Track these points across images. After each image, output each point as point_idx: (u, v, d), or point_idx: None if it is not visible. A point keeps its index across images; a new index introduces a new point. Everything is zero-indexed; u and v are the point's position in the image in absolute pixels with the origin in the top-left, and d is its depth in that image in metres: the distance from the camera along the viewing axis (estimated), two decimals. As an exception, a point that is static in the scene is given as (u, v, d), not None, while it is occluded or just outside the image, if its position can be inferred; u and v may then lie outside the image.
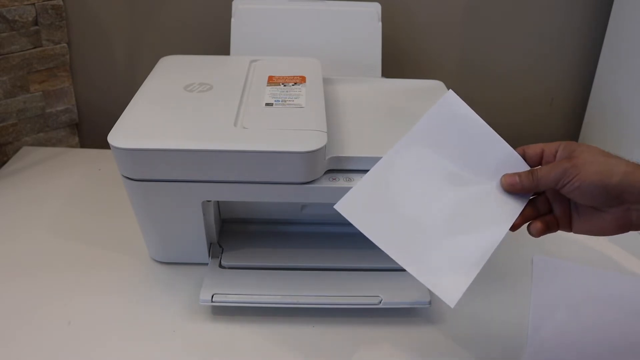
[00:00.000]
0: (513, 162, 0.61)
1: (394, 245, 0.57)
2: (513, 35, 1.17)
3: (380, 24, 1.00)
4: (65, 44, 1.08)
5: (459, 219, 0.59)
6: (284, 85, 0.80)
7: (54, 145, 1.13)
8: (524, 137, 1.26)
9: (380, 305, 0.70)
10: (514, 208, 0.60)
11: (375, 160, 0.70)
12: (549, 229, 0.60)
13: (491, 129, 0.62)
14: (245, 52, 0.99)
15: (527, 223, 0.60)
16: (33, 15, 1.02)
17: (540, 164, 0.61)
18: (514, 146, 0.62)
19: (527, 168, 0.61)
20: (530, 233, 0.60)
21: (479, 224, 0.59)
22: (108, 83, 1.16)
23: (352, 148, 0.71)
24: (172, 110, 0.72)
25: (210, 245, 0.78)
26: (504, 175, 0.60)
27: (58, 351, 0.66)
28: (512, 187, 0.60)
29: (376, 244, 0.57)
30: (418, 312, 0.72)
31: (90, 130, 1.18)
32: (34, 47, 1.04)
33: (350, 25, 1.01)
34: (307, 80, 0.82)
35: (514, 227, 0.60)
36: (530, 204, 0.61)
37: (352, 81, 0.91)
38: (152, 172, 0.67)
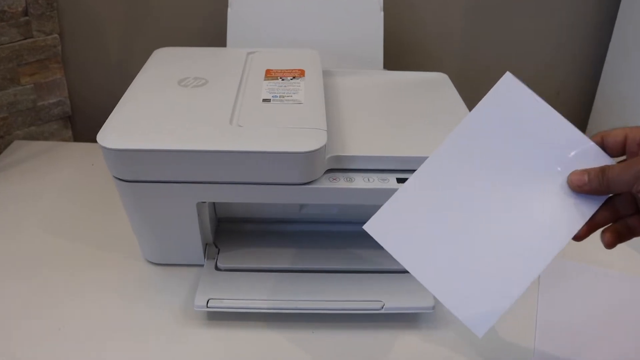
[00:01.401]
0: (589, 154, 0.51)
1: (423, 270, 0.51)
2: (519, 27, 1.13)
3: (382, 13, 0.97)
4: (56, 35, 1.05)
5: (507, 232, 0.51)
6: (282, 80, 0.76)
7: (46, 138, 1.11)
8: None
9: (383, 311, 0.67)
10: (582, 212, 0.50)
11: (377, 159, 0.67)
12: (632, 234, 0.51)
13: (560, 115, 0.52)
14: (242, 43, 0.96)
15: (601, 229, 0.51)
16: (23, 5, 0.98)
17: (623, 154, 0.50)
18: None
19: (608, 160, 0.50)
20: (603, 243, 0.51)
21: (532, 237, 0.51)
22: (102, 74, 1.13)
23: (354, 146, 0.68)
24: (164, 107, 0.69)
25: (205, 246, 0.75)
26: (572, 172, 0.50)
27: (48, 358, 0.63)
28: (579, 188, 0.49)
29: (406, 268, 0.52)
30: (421, 317, 0.70)
31: (83, 123, 1.15)
32: (24, 38, 1.01)
33: (351, 14, 0.97)
34: (306, 73, 0.79)
35: (577, 238, 0.50)
36: (607, 204, 0.50)
37: (353, 73, 0.88)
38: (144, 173, 0.64)
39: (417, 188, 0.54)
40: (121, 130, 0.64)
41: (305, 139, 0.63)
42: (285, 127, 0.65)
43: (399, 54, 1.14)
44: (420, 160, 0.67)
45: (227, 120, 0.66)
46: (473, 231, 0.52)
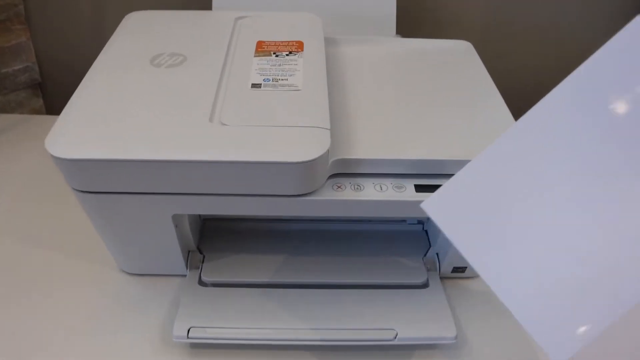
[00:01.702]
0: None
1: (492, 271, 0.41)
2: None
3: (394, -35, 0.82)
4: (16, -9, 0.91)
5: (609, 236, 0.40)
6: (276, 56, 0.64)
7: (13, 109, 0.98)
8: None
9: (396, 342, 0.57)
10: None
11: (391, 162, 0.55)
12: None
13: None
14: (230, 4, 0.82)
15: None
16: (-27, -43, 0.84)
17: None
18: None
19: None
20: None
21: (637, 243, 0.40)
22: (73, 35, 0.99)
23: (362, 146, 0.56)
24: (131, 98, 0.56)
25: (188, 253, 0.65)
26: None
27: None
28: None
29: (470, 263, 0.41)
30: (441, 347, 0.60)
31: (55, 90, 1.03)
32: (-22, -3, 0.87)
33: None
34: (304, 47, 0.65)
35: None
36: None
37: (361, 42, 0.75)
38: (106, 184, 0.52)
39: (495, 163, 0.42)
40: (76, 133, 0.52)
41: (304, 142, 0.51)
42: (278, 126, 0.53)
43: (412, 17, 0.99)
44: (444, 163, 0.55)
45: (207, 117, 0.53)
46: (562, 230, 0.41)
